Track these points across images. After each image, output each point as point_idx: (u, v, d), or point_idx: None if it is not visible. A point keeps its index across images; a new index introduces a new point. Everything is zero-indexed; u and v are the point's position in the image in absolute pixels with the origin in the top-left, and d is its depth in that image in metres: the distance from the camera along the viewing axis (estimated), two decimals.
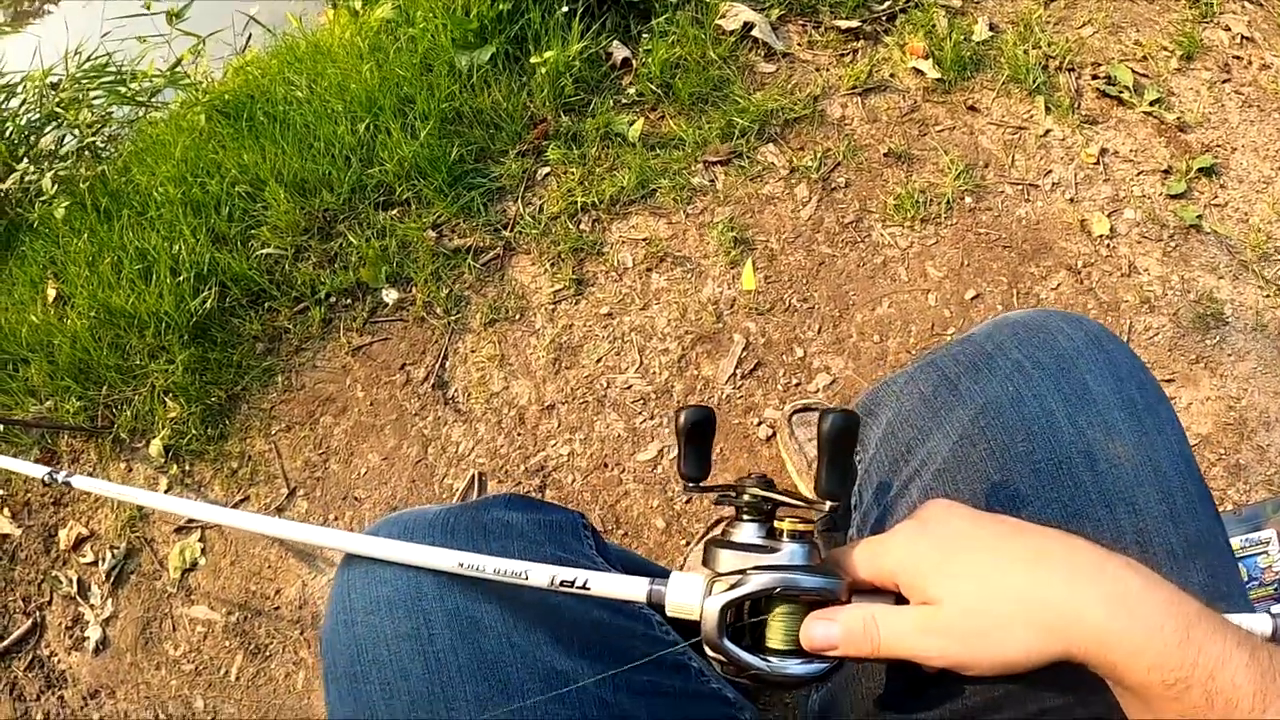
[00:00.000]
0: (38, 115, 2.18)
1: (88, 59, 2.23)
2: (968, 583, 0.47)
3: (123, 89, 2.13)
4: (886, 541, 0.52)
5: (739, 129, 1.55)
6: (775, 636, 0.51)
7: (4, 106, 2.19)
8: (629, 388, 1.40)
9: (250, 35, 2.18)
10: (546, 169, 1.58)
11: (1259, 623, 0.50)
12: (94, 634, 1.47)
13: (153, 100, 2.09)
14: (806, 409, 1.29)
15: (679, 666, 0.69)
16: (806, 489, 1.22)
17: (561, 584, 0.56)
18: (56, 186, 1.86)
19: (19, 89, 2.24)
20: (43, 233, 1.86)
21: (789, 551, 0.53)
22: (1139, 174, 1.52)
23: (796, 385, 1.37)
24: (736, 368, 1.39)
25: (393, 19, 1.74)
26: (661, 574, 0.55)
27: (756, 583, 0.50)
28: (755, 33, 1.65)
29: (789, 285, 1.45)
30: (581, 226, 1.53)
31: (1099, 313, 1.40)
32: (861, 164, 1.54)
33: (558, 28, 1.60)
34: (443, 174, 1.54)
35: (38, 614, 1.53)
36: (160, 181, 1.73)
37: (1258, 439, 1.31)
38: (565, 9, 1.61)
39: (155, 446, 1.56)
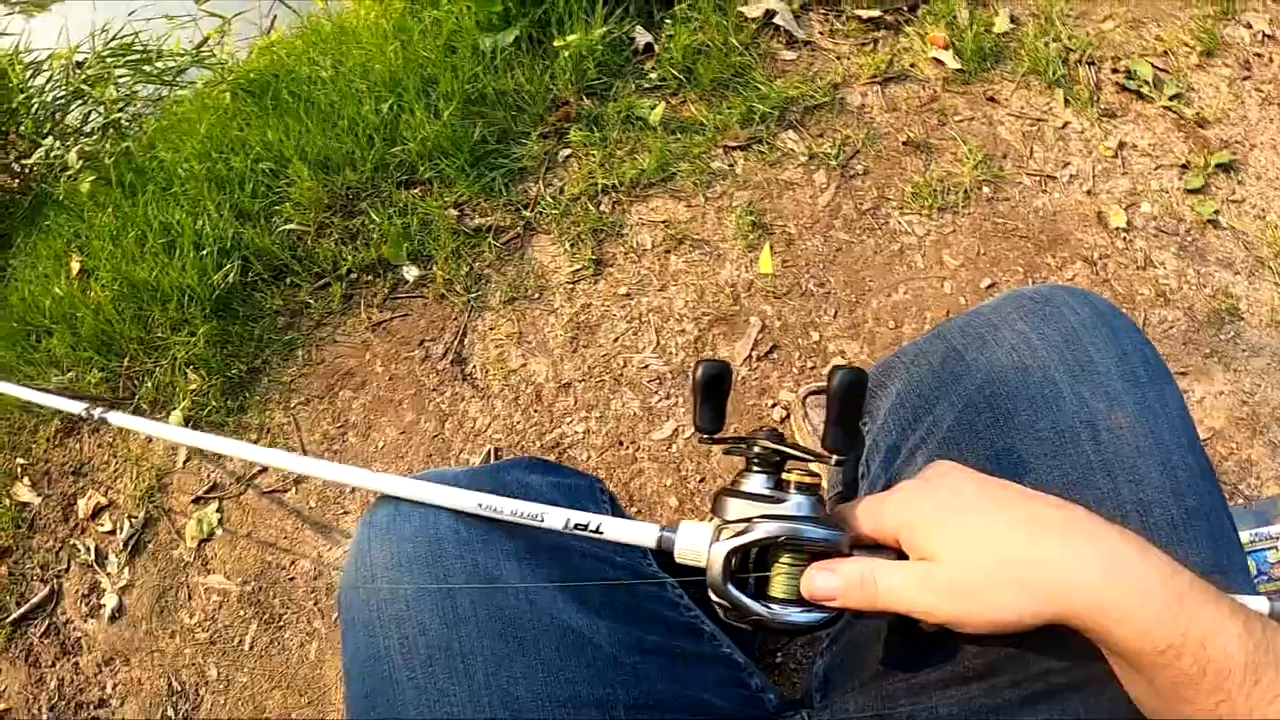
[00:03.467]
0: (63, 93, 2.23)
1: (114, 37, 2.27)
2: (965, 541, 0.49)
3: (148, 67, 2.17)
4: (889, 498, 0.54)
5: (759, 115, 1.58)
6: (778, 585, 0.54)
7: (30, 83, 2.23)
8: (645, 367, 1.43)
9: (275, 16, 2.21)
10: (568, 151, 1.61)
11: (1257, 603, 0.50)
12: (110, 602, 1.51)
13: (178, 79, 2.12)
14: (820, 392, 1.31)
15: (692, 629, 0.72)
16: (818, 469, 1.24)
17: (576, 527, 0.59)
18: (82, 162, 1.90)
19: (45, 66, 2.28)
20: (67, 207, 1.91)
21: (795, 502, 0.55)
22: (1157, 168, 1.55)
23: (811, 369, 1.40)
24: (752, 350, 1.41)
25: (417, 1, 1.77)
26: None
27: (762, 530, 0.53)
28: (777, 20, 1.68)
29: (806, 270, 1.48)
30: (601, 208, 1.56)
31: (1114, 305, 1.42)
32: (880, 152, 1.57)
33: (581, 12, 1.64)
34: (465, 154, 1.58)
35: (55, 581, 1.58)
36: (185, 158, 1.77)
37: (1270, 435, 1.33)
38: None
39: (175, 417, 1.60)
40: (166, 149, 1.83)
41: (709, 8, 1.67)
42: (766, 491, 0.56)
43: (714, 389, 0.61)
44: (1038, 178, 1.54)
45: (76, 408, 1.20)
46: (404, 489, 0.65)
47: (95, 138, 2.01)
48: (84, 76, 2.20)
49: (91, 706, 1.44)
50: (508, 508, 0.61)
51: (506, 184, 1.60)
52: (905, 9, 1.72)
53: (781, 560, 0.54)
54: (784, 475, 0.57)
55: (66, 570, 1.57)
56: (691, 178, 1.56)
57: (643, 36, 1.67)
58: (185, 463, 1.57)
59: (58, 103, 2.20)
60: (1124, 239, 1.48)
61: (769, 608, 0.53)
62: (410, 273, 1.57)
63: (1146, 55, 1.66)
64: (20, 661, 1.52)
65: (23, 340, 1.79)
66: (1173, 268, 1.46)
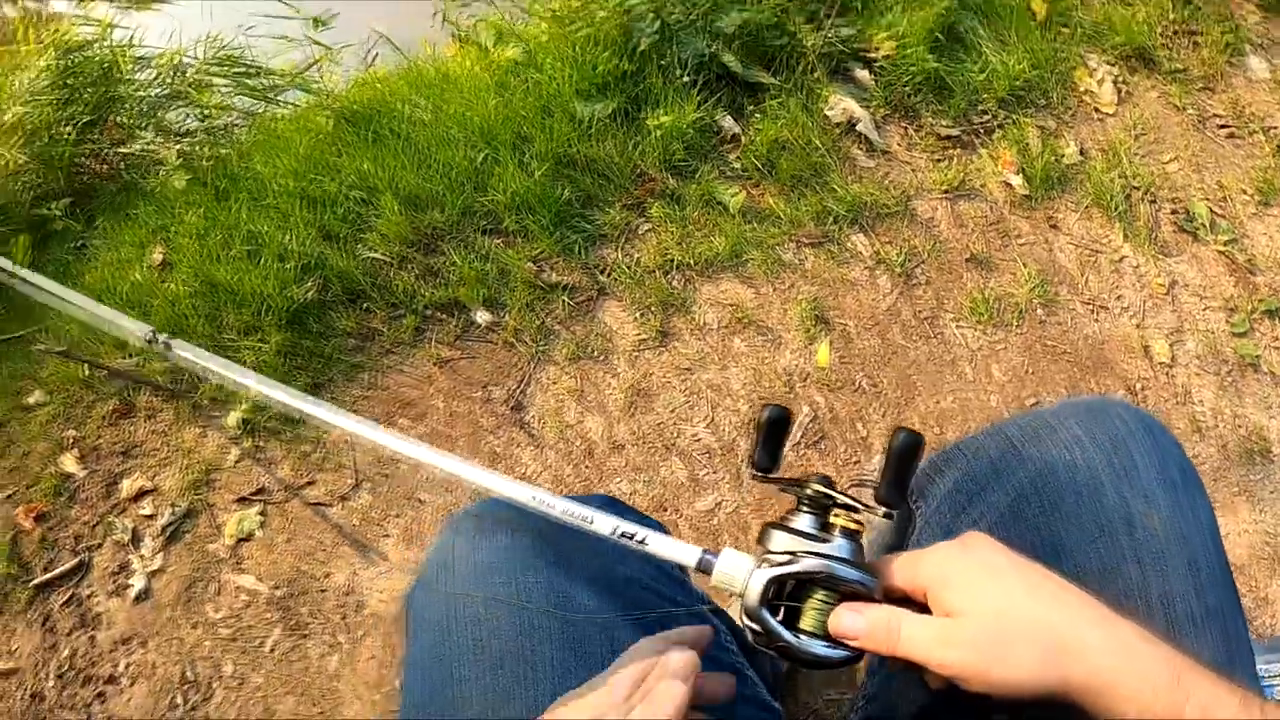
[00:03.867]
0: (166, 91, 2.33)
1: (222, 48, 2.38)
2: (987, 604, 0.54)
3: (250, 81, 2.28)
4: (924, 554, 0.59)
5: (833, 215, 1.68)
6: (808, 619, 0.58)
7: (135, 77, 2.33)
8: (697, 439, 1.50)
9: (378, 54, 2.34)
10: (648, 225, 1.71)
11: None
12: (138, 583, 1.56)
13: (277, 97, 2.24)
14: (861, 484, 1.38)
15: (737, 672, 0.78)
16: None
17: (622, 535, 0.64)
18: (180, 160, 1.98)
19: (152, 64, 2.39)
20: (156, 199, 2.00)
21: (838, 544, 0.59)
22: (1205, 308, 1.63)
23: (855, 462, 1.47)
24: (801, 437, 1.48)
25: (520, 61, 1.89)
26: None
27: (805, 564, 0.58)
28: (859, 127, 1.79)
29: (860, 367, 1.55)
30: (673, 283, 1.65)
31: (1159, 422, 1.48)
32: (943, 264, 1.65)
33: (676, 94, 1.76)
34: (550, 212, 1.68)
35: (86, 554, 1.63)
36: (280, 173, 1.87)
37: None
38: (685, 78, 1.76)
39: (233, 417, 1.67)
40: (263, 162, 1.93)
41: (796, 107, 1.78)
42: (812, 530, 0.60)
43: (776, 430, 0.65)
44: (1090, 305, 1.62)
45: (142, 331, 1.23)
46: (468, 474, 0.68)
47: (193, 140, 2.11)
48: (188, 80, 2.32)
49: (100, 681, 1.48)
50: (559, 506, 0.65)
51: (586, 247, 1.69)
52: (981, 130, 1.82)
53: (815, 596, 0.58)
54: (830, 518, 0.61)
55: (99, 546, 1.62)
56: (762, 266, 1.65)
57: (730, 126, 1.78)
58: (237, 462, 1.63)
59: (159, 99, 2.31)
60: (1166, 372, 1.55)
61: (797, 637, 0.58)
62: (482, 317, 1.65)
63: (1206, 198, 1.75)
64: (36, 625, 1.56)
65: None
66: (1210, 404, 1.53)
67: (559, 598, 0.67)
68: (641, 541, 0.62)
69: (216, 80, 2.36)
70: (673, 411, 1.54)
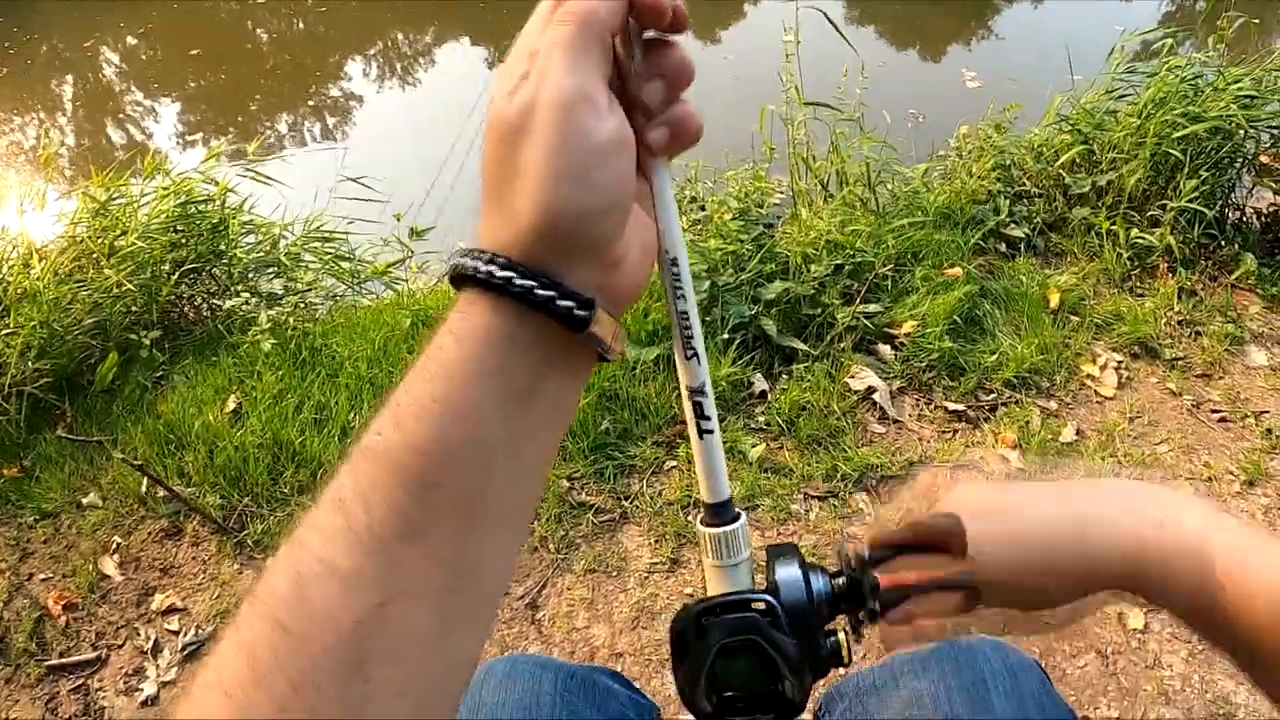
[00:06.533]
0: (265, 258, 2.73)
1: (320, 228, 2.81)
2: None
3: (342, 265, 2.69)
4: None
5: (840, 474, 2.02)
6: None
7: (242, 240, 2.74)
8: None
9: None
10: (674, 463, 2.06)
11: None
12: (149, 689, 1.77)
13: (361, 285, 2.63)
14: None
15: None
16: None
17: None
18: (270, 324, 2.34)
19: (258, 230, 2.80)
20: (240, 355, 2.33)
21: (824, 646, 0.53)
22: None
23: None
24: None
25: None
26: None
27: (786, 653, 0.50)
28: (875, 397, 2.17)
29: None
30: (689, 518, 1.96)
31: (1117, 697, 1.67)
32: None
33: (716, 349, 2.14)
34: (590, 439, 2.04)
35: (105, 651, 1.84)
36: (356, 358, 2.23)
37: None
38: (726, 336, 2.14)
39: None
40: (342, 344, 2.30)
41: (821, 373, 2.17)
42: (822, 600, 0.53)
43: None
44: None
45: None
46: None
47: (283, 309, 2.47)
48: (286, 252, 2.72)
49: None
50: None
51: (616, 474, 2.04)
52: (987, 409, 2.17)
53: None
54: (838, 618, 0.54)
55: (120, 647, 1.84)
56: (771, 512, 1.96)
57: (760, 384, 2.17)
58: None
59: (256, 264, 2.70)
60: (1138, 639, 1.75)
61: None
62: None
63: (1193, 479, 2.01)
64: (40, 702, 1.76)
65: (161, 442, 2.17)
66: (1179, 671, 1.71)
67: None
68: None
69: (309, 257, 2.76)
70: None
